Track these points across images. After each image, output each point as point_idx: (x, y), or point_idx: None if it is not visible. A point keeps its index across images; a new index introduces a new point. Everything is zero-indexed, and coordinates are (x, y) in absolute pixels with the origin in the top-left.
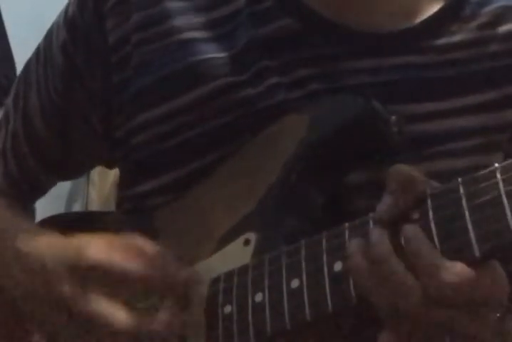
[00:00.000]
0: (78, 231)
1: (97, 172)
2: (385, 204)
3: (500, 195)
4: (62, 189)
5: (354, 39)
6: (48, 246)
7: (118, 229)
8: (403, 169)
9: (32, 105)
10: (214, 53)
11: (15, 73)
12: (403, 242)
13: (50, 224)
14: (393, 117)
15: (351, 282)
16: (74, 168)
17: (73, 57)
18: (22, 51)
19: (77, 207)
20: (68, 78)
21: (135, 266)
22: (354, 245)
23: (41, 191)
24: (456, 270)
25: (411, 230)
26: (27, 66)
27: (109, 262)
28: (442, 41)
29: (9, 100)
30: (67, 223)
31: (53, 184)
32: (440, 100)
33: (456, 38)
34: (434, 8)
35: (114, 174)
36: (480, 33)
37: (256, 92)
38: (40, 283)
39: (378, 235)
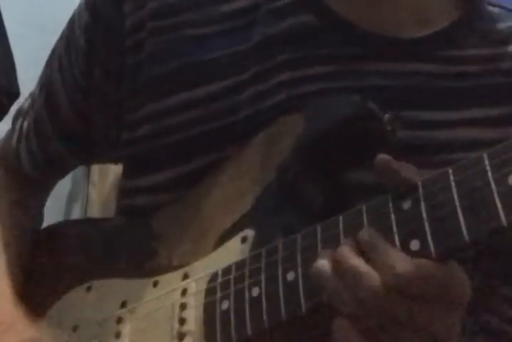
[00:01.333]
0: (77, 240)
1: (97, 172)
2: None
3: (488, 181)
4: (62, 189)
5: (369, 41)
6: None
7: (117, 235)
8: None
9: (56, 85)
10: (227, 49)
11: (15, 73)
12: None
13: (49, 234)
14: (387, 116)
15: None
16: (96, 147)
17: (93, 43)
18: (22, 51)
19: (77, 207)
20: (89, 61)
21: None
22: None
23: (62, 172)
24: (411, 260)
25: (366, 234)
26: (52, 52)
27: None
28: (456, 53)
29: (36, 88)
30: (65, 233)
31: (74, 166)
32: (449, 110)
33: (471, 51)
34: (449, 20)
35: (114, 174)
36: (493, 50)
37: (264, 89)
38: None
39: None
